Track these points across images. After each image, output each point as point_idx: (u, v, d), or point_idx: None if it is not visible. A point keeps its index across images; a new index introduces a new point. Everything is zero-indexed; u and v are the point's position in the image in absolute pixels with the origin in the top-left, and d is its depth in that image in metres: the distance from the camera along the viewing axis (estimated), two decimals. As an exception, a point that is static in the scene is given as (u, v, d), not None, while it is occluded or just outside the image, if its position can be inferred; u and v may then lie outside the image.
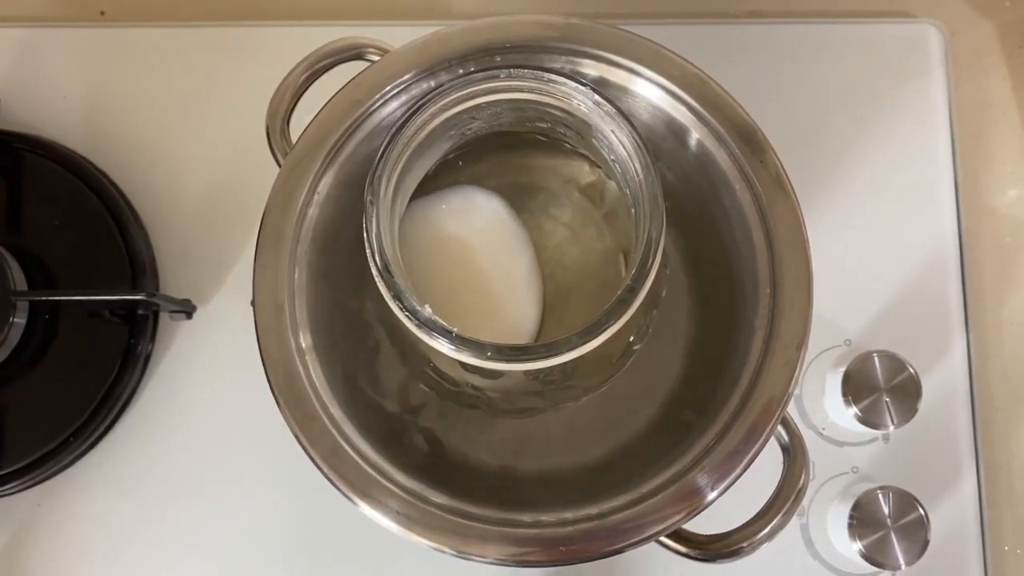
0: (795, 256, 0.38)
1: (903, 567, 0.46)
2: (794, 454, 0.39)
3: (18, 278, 0.50)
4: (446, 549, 0.36)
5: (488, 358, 0.34)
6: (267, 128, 0.42)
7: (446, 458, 0.43)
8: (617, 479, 0.39)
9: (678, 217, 0.43)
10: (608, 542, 0.36)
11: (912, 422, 0.48)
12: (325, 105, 0.41)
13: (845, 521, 0.47)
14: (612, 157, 0.38)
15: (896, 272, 0.53)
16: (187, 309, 0.53)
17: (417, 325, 0.34)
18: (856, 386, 0.48)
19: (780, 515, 0.38)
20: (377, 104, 0.40)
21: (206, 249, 0.54)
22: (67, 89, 0.57)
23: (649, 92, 0.41)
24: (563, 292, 0.44)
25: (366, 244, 0.35)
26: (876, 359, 0.48)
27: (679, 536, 0.37)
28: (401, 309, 0.35)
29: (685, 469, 0.37)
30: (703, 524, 0.37)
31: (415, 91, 0.40)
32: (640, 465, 0.39)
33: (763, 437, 0.37)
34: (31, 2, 0.59)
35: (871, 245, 0.54)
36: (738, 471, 0.37)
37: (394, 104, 0.40)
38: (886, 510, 0.47)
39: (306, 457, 0.37)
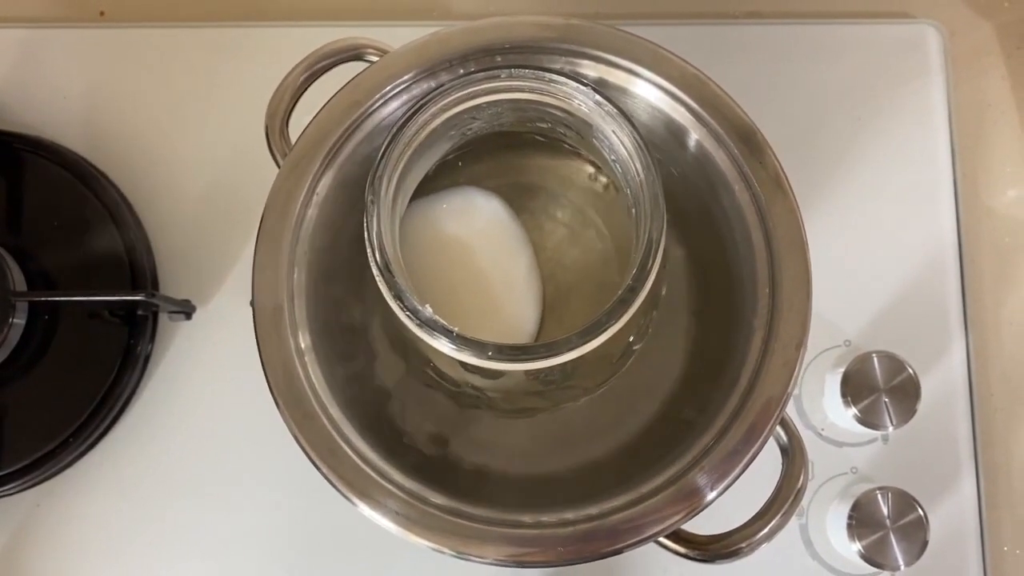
0: (794, 256, 0.38)
1: (902, 567, 0.46)
2: (793, 455, 0.39)
3: (17, 279, 0.50)
4: (445, 550, 0.36)
5: (489, 358, 0.34)
6: (266, 129, 0.42)
7: (445, 459, 0.43)
8: (616, 479, 0.39)
9: (677, 217, 0.43)
10: (607, 543, 0.36)
11: (911, 423, 0.48)
12: (324, 106, 0.41)
13: (844, 521, 0.47)
14: (612, 157, 0.38)
15: (895, 273, 0.53)
16: (186, 310, 0.53)
17: (418, 325, 0.35)
18: (855, 386, 0.48)
19: (779, 516, 0.38)
20: (376, 105, 0.40)
21: (205, 250, 0.54)
22: (67, 90, 0.57)
23: (648, 93, 0.41)
24: (563, 292, 0.44)
25: (367, 244, 0.35)
26: (875, 359, 0.48)
27: (678, 537, 0.37)
28: (402, 309, 0.35)
29: (684, 469, 0.37)
30: (702, 525, 0.37)
31: (415, 91, 0.40)
32: (639, 465, 0.39)
33: (762, 438, 0.37)
34: (31, 2, 0.59)
35: (870, 245, 0.54)
36: (737, 471, 0.37)
37: (393, 105, 0.40)
38: (885, 510, 0.47)
39: (305, 457, 0.37)
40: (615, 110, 0.36)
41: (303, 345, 0.38)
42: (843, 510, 0.47)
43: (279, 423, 0.38)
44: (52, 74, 0.57)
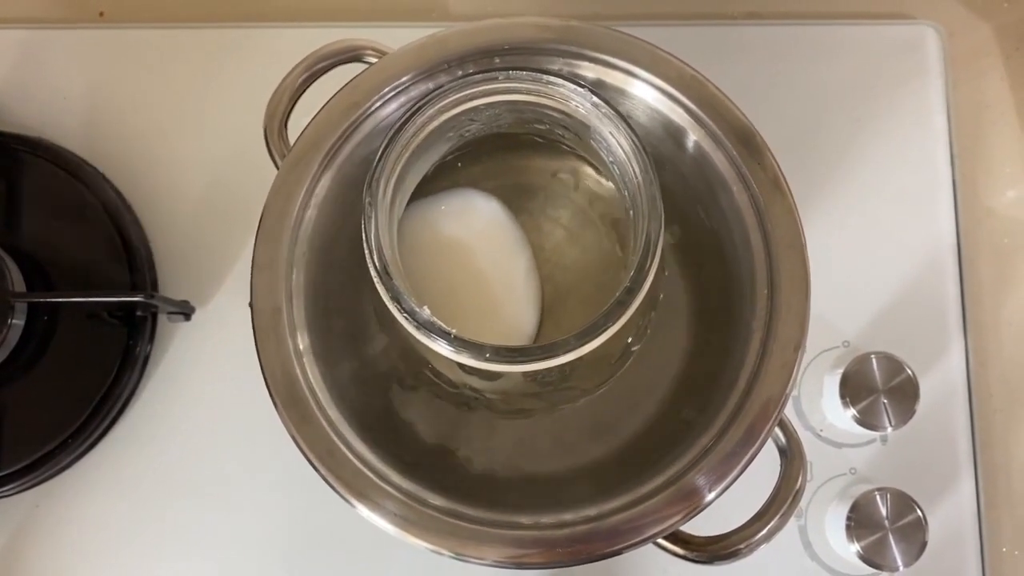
0: (792, 258, 0.38)
1: (901, 568, 0.46)
2: (791, 456, 0.39)
3: (17, 280, 0.50)
4: (444, 551, 0.36)
5: (487, 360, 0.34)
6: (265, 130, 0.42)
7: (444, 460, 0.43)
8: (615, 480, 0.39)
9: (675, 218, 0.43)
10: (606, 544, 0.36)
11: (910, 423, 0.48)
12: (323, 107, 0.41)
13: (843, 522, 0.47)
14: (610, 159, 0.38)
15: (894, 273, 0.53)
16: (185, 310, 0.53)
17: (416, 327, 0.35)
18: (854, 387, 0.48)
19: (778, 517, 0.38)
20: (375, 106, 0.40)
21: (204, 250, 0.54)
22: (66, 90, 0.57)
23: (646, 94, 0.41)
24: (562, 293, 0.44)
25: (364, 246, 0.35)
26: (874, 360, 0.48)
27: (677, 538, 0.37)
28: (400, 311, 0.35)
29: (683, 471, 0.37)
30: (701, 526, 0.37)
31: (413, 93, 0.40)
32: (638, 467, 0.39)
33: (761, 439, 0.37)
34: (31, 3, 0.59)
35: (869, 246, 0.54)
36: (736, 472, 0.37)
37: (392, 106, 0.40)
38: (884, 511, 0.47)
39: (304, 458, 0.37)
40: (612, 112, 0.36)
41: (302, 346, 0.38)
42: (842, 511, 0.47)
43: (278, 424, 0.38)
44: (52, 75, 0.57)
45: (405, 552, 0.50)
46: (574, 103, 0.37)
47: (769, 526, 0.38)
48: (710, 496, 0.37)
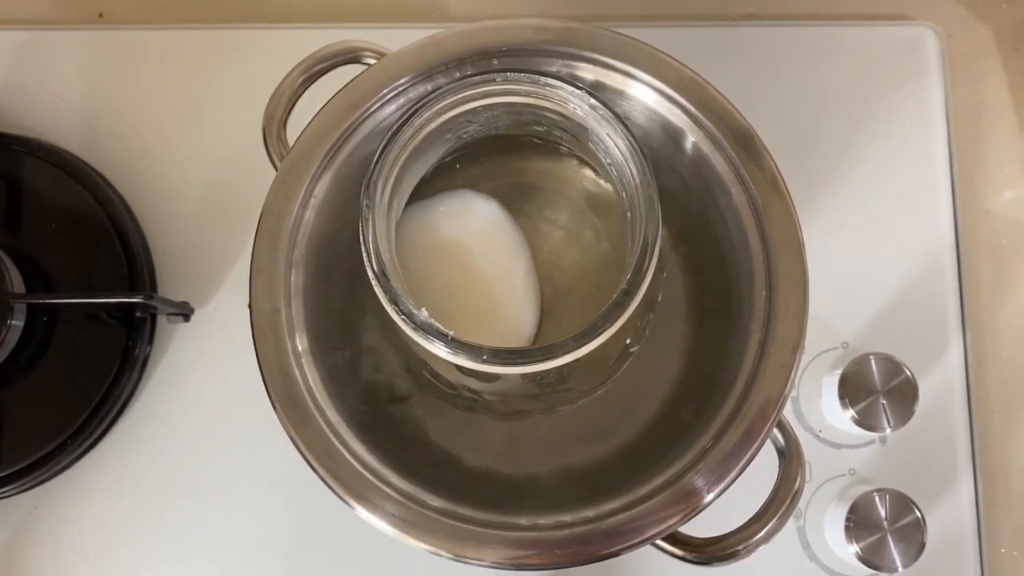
0: (791, 259, 0.38)
1: (900, 569, 0.46)
2: (790, 457, 0.39)
3: (16, 281, 0.50)
4: (442, 552, 0.36)
5: (484, 361, 0.34)
6: (264, 131, 0.42)
7: (442, 461, 0.43)
8: (613, 482, 0.39)
9: (674, 220, 0.43)
10: (605, 545, 0.36)
11: (909, 424, 0.48)
12: (321, 108, 0.41)
13: (842, 523, 0.47)
14: (608, 160, 0.38)
15: (893, 274, 0.53)
16: (185, 312, 0.53)
17: (413, 329, 0.35)
18: (853, 388, 0.48)
19: (776, 518, 0.38)
20: (374, 107, 0.40)
21: (204, 252, 0.54)
22: (65, 91, 0.57)
23: (645, 95, 0.41)
24: (560, 295, 0.44)
25: (362, 248, 0.35)
26: (873, 361, 0.48)
27: (675, 539, 0.37)
28: (397, 313, 0.35)
29: (681, 472, 0.37)
30: (699, 527, 0.37)
31: (412, 94, 0.40)
32: (636, 468, 0.39)
33: (759, 440, 0.37)
34: (29, 4, 0.59)
35: (868, 247, 0.54)
36: (734, 474, 0.37)
37: (391, 107, 0.40)
38: (883, 512, 0.47)
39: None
40: (610, 114, 0.36)
41: (300, 347, 0.38)
42: (841, 512, 0.47)
43: (277, 424, 0.38)
44: (51, 76, 0.57)
45: (404, 553, 0.50)
46: (572, 105, 0.37)
47: (768, 527, 0.38)
48: (709, 497, 0.37)
